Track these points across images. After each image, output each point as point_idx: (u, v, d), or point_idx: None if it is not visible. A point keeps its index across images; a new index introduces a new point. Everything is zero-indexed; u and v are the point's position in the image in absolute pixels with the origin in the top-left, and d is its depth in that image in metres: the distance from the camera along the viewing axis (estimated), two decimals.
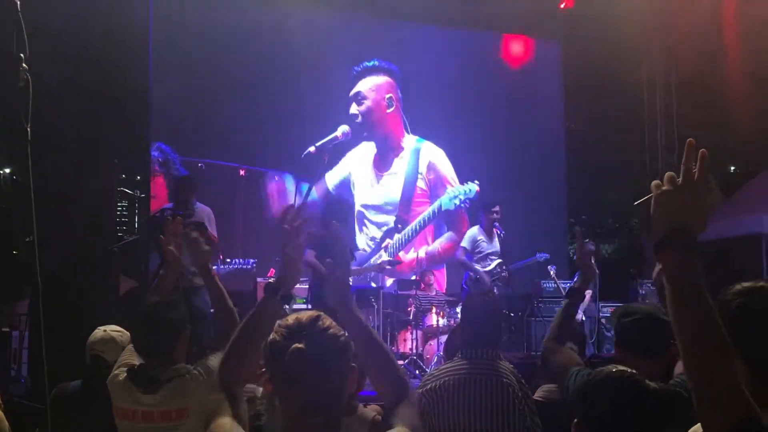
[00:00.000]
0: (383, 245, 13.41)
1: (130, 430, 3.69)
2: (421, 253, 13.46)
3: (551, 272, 11.96)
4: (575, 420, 2.45)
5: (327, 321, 2.20)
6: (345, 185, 13.65)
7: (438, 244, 13.90)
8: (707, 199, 1.95)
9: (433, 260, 13.56)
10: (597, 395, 2.44)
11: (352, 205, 9.72)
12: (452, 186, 13.32)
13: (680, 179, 1.94)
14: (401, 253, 13.42)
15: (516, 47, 15.27)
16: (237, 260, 11.36)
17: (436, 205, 13.29)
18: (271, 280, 2.80)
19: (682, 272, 1.92)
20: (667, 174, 1.96)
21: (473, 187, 12.27)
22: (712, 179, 1.97)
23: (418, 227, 13.49)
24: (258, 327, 2.46)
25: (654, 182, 1.96)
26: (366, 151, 13.81)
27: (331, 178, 13.58)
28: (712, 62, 15.65)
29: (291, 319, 2.19)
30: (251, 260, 11.35)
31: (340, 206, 9.20)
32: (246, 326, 2.67)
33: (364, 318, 2.46)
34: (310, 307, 9.36)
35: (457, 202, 12.44)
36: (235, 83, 13.02)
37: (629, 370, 2.47)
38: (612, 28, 13.95)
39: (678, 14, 15.43)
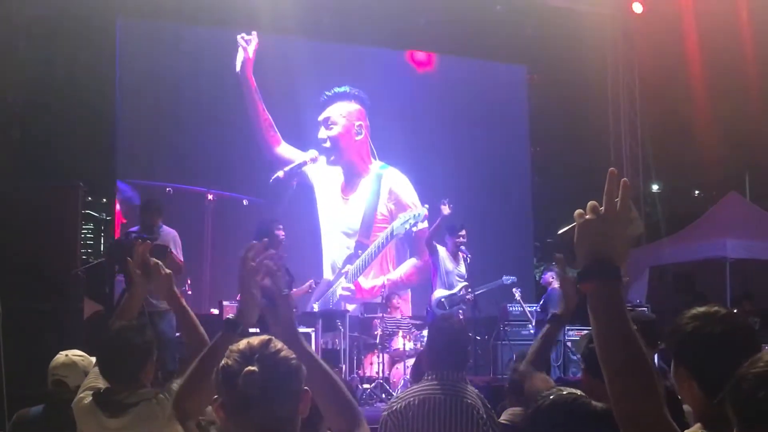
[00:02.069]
0: (343, 271, 13.41)
1: None
2: (384, 281, 13.47)
3: (516, 295, 11.99)
4: None
5: (278, 344, 2.19)
6: (307, 200, 13.66)
7: (401, 271, 13.93)
8: (629, 229, 1.96)
9: (396, 287, 13.56)
10: (545, 419, 2.44)
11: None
12: (411, 208, 13.44)
13: (603, 209, 1.96)
14: (361, 279, 13.44)
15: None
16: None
17: (388, 230, 13.35)
18: (231, 316, 2.81)
19: (604, 301, 1.93)
20: (590, 203, 1.96)
21: (422, 211, 12.38)
22: (633, 209, 1.98)
23: (374, 253, 13.52)
24: (215, 361, 2.45)
25: (577, 211, 1.98)
26: (333, 174, 13.81)
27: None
28: (678, 86, 15.85)
29: (242, 344, 2.18)
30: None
31: (270, 225, 9.17)
32: (203, 360, 2.68)
33: (310, 347, 2.47)
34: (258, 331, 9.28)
35: (407, 226, 12.52)
36: (203, 107, 13.01)
37: (577, 392, 2.48)
38: (577, 52, 14.13)
39: (643, 36, 15.63)
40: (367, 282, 13.53)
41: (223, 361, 2.16)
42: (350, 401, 2.59)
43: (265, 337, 2.20)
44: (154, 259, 3.78)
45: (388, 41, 14.35)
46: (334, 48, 14.20)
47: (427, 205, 12.37)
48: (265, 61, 13.07)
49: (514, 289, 12.05)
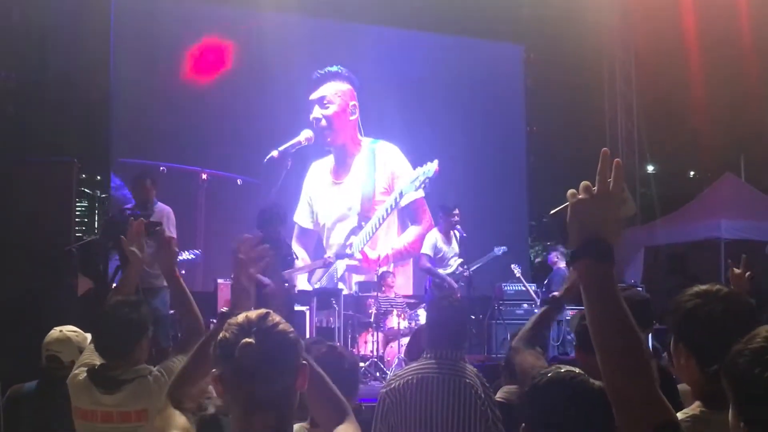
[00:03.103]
0: (347, 243, 13.40)
1: (88, 431, 3.65)
2: (388, 250, 13.50)
3: (516, 272, 11.97)
4: (522, 424, 2.44)
5: (276, 318, 2.19)
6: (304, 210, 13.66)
7: (403, 240, 13.95)
8: (622, 210, 1.95)
9: (400, 256, 13.63)
10: (542, 397, 2.43)
11: (285, 209, 9.70)
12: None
13: (596, 189, 1.95)
14: (366, 249, 13.43)
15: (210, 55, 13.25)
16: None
17: (396, 192, 13.31)
18: (225, 309, 2.81)
19: (596, 281, 1.93)
20: (583, 183, 1.96)
21: (432, 166, 12.31)
22: (626, 189, 1.96)
23: (381, 219, 13.52)
24: (209, 354, 2.45)
25: (570, 191, 1.97)
26: (323, 165, 13.80)
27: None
28: (674, 67, 15.83)
29: (241, 317, 2.18)
30: (195, 252, 11.31)
31: (272, 212, 9.19)
32: (199, 351, 2.70)
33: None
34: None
35: (417, 183, 12.51)
36: (198, 86, 12.93)
37: (575, 370, 2.47)
38: (574, 32, 14.08)
39: (640, 18, 15.59)
40: (373, 253, 13.54)
41: (221, 334, 2.16)
42: (337, 395, 2.58)
43: (263, 310, 2.20)
44: (168, 233, 3.79)
45: (383, 19, 14.25)
46: (326, 25, 14.12)
47: (436, 160, 12.33)
48: (257, 42, 12.99)
49: (513, 266, 12.05)
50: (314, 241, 13.53)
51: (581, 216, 1.94)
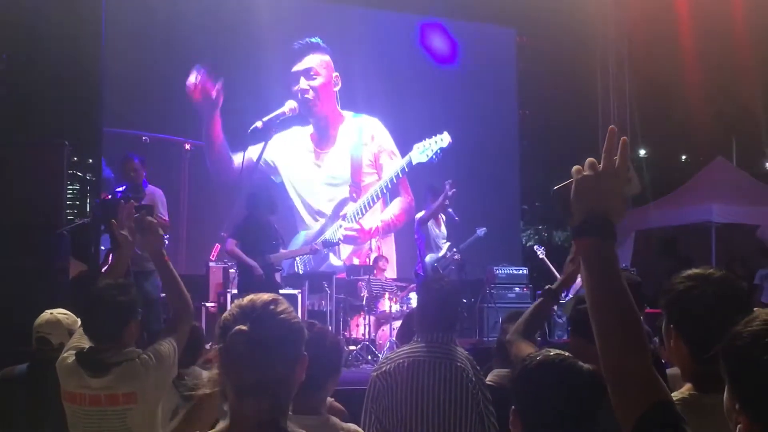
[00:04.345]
0: (341, 214, 13.43)
1: (77, 414, 3.64)
2: (377, 222, 13.55)
3: (540, 253, 11.96)
4: (512, 407, 2.44)
5: (282, 306, 2.15)
6: (270, 167, 13.56)
7: (390, 212, 14.07)
8: (626, 188, 1.93)
9: (388, 228, 13.80)
10: (531, 379, 2.43)
11: (275, 197, 9.80)
12: (395, 154, 13.61)
13: (601, 165, 1.93)
14: (362, 221, 13.52)
15: None
16: None
17: (405, 161, 13.30)
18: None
19: (598, 258, 1.91)
20: (588, 160, 1.92)
21: (446, 138, 12.30)
22: (631, 168, 1.94)
23: (381, 190, 13.59)
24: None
25: (575, 167, 1.95)
26: (300, 132, 13.76)
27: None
28: (667, 51, 15.81)
29: (248, 299, 2.16)
30: None
31: (262, 198, 9.25)
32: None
33: None
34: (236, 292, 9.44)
35: (429, 153, 12.47)
36: (184, 56, 12.88)
37: (564, 353, 2.47)
38: (567, 15, 14.05)
39: (633, 1, 15.56)
40: (366, 223, 13.61)
41: (226, 312, 2.15)
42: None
43: (272, 296, 2.18)
44: (150, 218, 3.78)
45: (375, 1, 14.21)
46: (318, 5, 14.08)
47: (445, 132, 12.35)
48: (241, 14, 12.94)
49: (536, 248, 12.11)
50: None
51: (585, 192, 1.92)
